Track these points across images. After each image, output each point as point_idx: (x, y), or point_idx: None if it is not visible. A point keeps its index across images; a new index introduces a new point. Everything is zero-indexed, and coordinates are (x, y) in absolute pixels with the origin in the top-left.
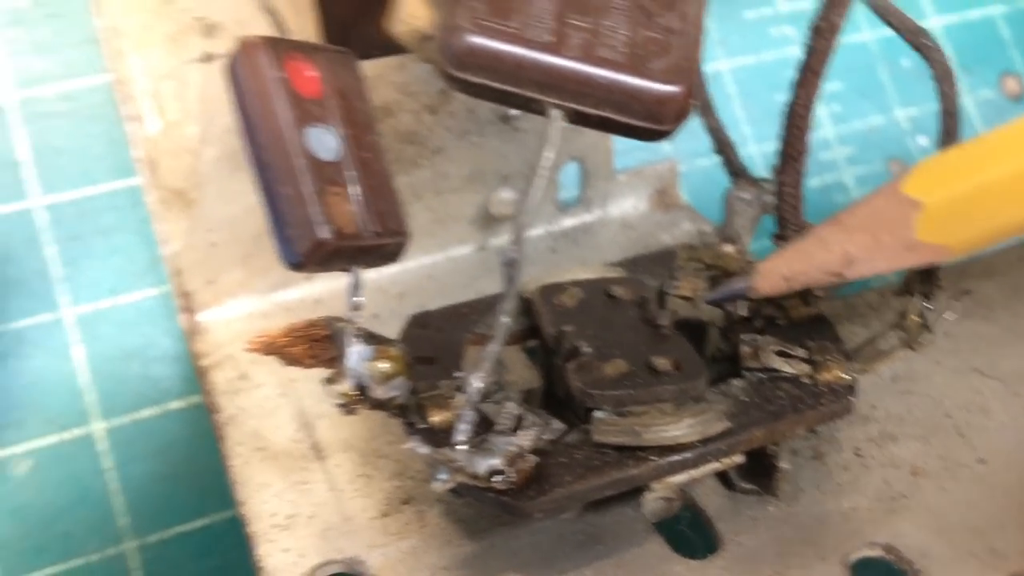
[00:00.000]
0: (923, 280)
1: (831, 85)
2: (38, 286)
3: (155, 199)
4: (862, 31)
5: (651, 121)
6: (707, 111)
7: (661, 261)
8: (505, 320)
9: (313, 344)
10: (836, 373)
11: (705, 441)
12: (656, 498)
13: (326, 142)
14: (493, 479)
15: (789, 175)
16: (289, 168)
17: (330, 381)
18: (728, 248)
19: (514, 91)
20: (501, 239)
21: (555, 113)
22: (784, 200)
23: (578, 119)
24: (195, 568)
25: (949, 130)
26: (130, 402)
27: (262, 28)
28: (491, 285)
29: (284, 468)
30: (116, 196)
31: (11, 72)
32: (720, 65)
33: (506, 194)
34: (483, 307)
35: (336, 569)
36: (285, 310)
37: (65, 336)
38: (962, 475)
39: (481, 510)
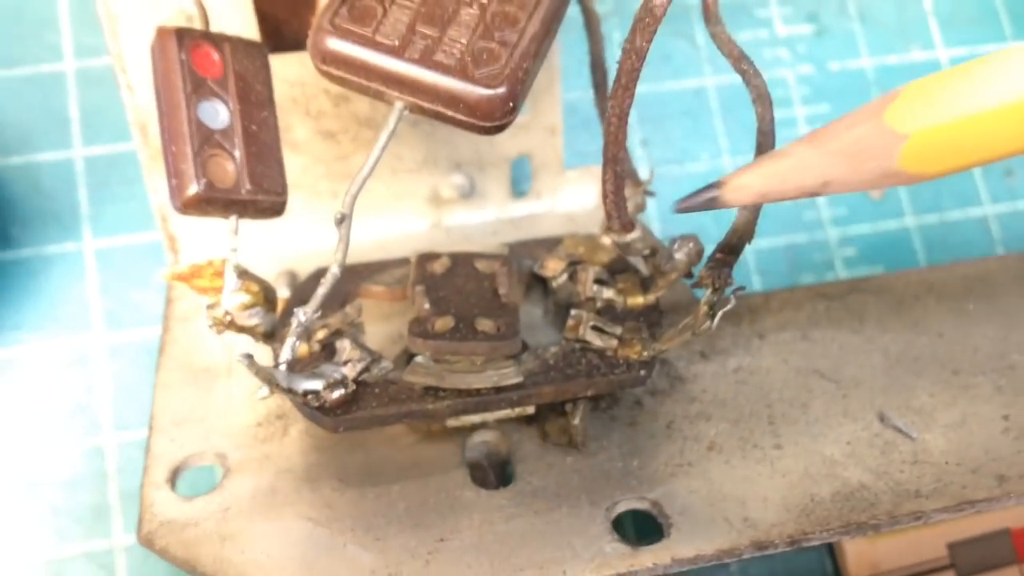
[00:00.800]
0: (716, 276)
1: (819, 107)
2: (69, 220)
3: (145, 156)
4: (861, 57)
5: (475, 118)
6: (602, 115)
7: (547, 245)
8: (334, 271)
9: (213, 278)
10: (637, 350)
11: (498, 390)
12: (479, 441)
13: (217, 113)
14: (308, 397)
15: (608, 176)
16: (179, 131)
17: (210, 307)
18: (605, 240)
19: (366, 84)
20: (454, 218)
21: (398, 104)
22: (607, 198)
23: (418, 111)
24: None
25: (763, 148)
26: (128, 321)
27: (228, 21)
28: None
29: (198, 381)
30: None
31: (71, 45)
32: (706, 81)
33: (457, 179)
34: (378, 267)
35: (205, 461)
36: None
37: (84, 263)
38: (752, 455)
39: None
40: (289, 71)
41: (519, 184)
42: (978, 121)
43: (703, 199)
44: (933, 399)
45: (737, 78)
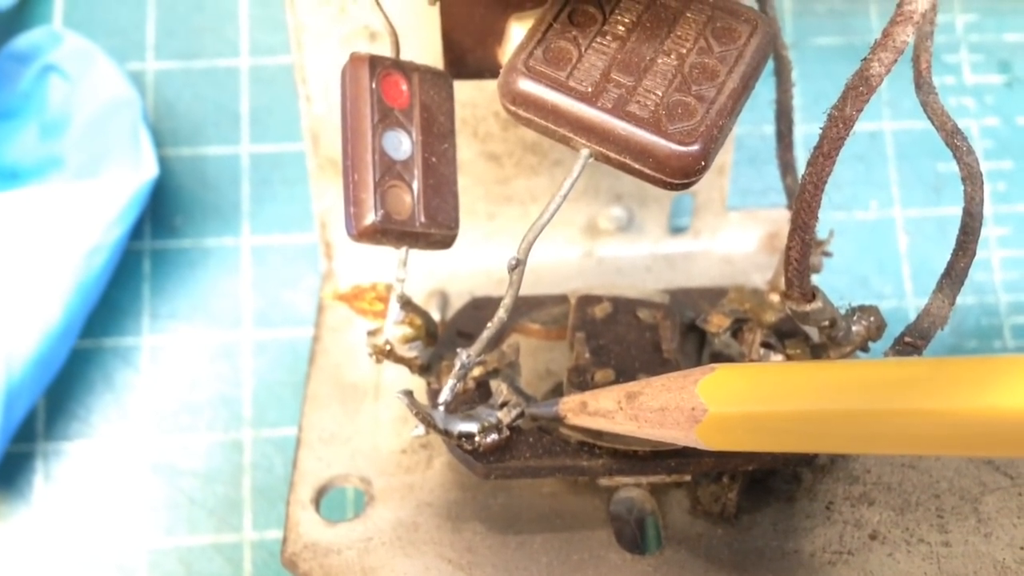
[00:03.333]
0: None
1: (1000, 163)
2: (230, 215)
3: (314, 164)
4: None
5: (663, 174)
6: (787, 171)
7: (711, 296)
8: (501, 315)
9: (373, 301)
10: None
11: (656, 455)
12: (624, 496)
13: (400, 144)
14: (462, 440)
15: (795, 243)
16: (362, 159)
17: (371, 334)
18: (773, 297)
19: (553, 128)
20: (607, 249)
21: (584, 152)
22: (790, 265)
23: (604, 159)
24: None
25: (967, 229)
26: (276, 320)
27: (412, 42)
28: (585, 287)
29: (346, 398)
30: (303, 155)
31: (248, 42)
32: (883, 125)
33: (616, 212)
34: (535, 303)
35: (349, 483)
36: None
37: (240, 258)
38: (918, 550)
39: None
40: (462, 92)
41: (676, 218)
42: (778, 421)
43: (545, 411)
44: None
45: (918, 124)
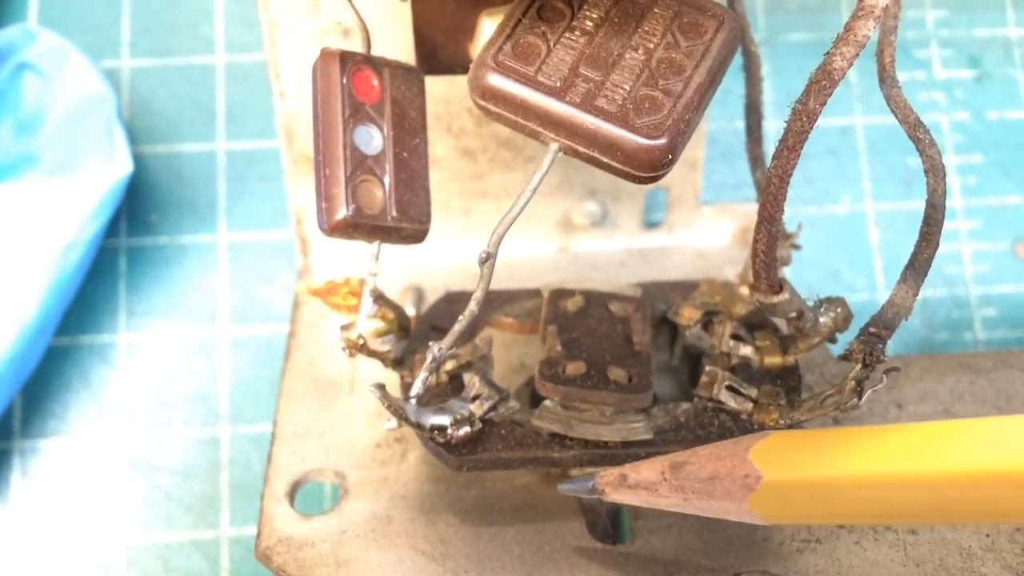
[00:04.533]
0: (868, 352)
1: (971, 157)
2: (206, 212)
3: (288, 160)
4: (1023, 108)
5: (630, 167)
6: (757, 165)
7: (682, 290)
8: (472, 308)
9: (347, 296)
10: (773, 416)
11: (626, 444)
12: None
13: (371, 139)
14: (434, 432)
15: (761, 235)
16: (333, 154)
17: (344, 328)
18: (743, 290)
19: (522, 122)
20: (582, 244)
21: (553, 146)
22: (757, 257)
23: (573, 153)
24: None
25: (930, 221)
26: (253, 317)
27: (384, 38)
28: (559, 282)
29: (321, 392)
30: (279, 152)
31: (224, 39)
32: (855, 120)
33: (590, 207)
34: (508, 297)
35: (324, 478)
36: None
37: (216, 255)
38: (885, 539)
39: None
40: (436, 88)
41: (649, 213)
42: (836, 488)
43: (581, 486)
44: None
45: (888, 119)
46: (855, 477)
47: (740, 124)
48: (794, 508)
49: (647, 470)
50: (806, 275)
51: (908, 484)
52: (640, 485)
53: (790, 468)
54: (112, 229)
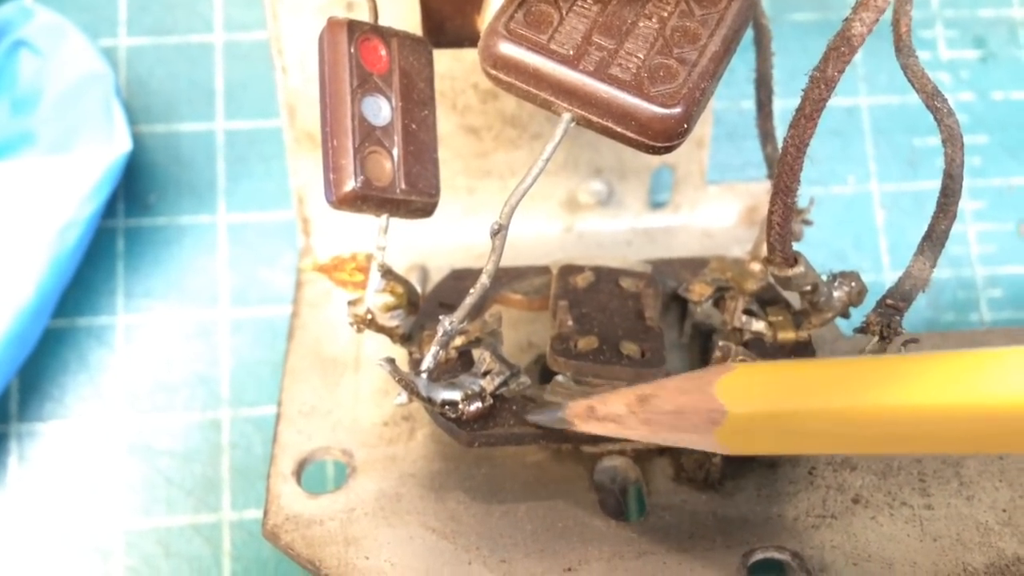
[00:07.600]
0: (885, 324)
1: (976, 137)
2: (205, 192)
3: (291, 138)
4: None
5: (645, 136)
6: (768, 140)
7: (692, 267)
8: (484, 281)
9: (353, 272)
10: None
11: None
12: (608, 466)
13: (380, 110)
14: (445, 408)
15: (777, 207)
16: (341, 125)
17: (352, 303)
18: (755, 266)
19: (534, 92)
20: (587, 224)
21: (566, 116)
22: (772, 229)
23: (586, 123)
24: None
25: (948, 191)
26: (253, 298)
27: (390, 10)
28: (566, 260)
29: (326, 371)
30: (279, 132)
31: (222, 17)
32: (860, 100)
33: (596, 186)
34: (516, 274)
35: (330, 456)
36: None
37: (216, 236)
38: (901, 513)
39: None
40: (440, 64)
41: (655, 192)
42: (802, 420)
43: (549, 418)
44: None
45: (894, 99)
46: (819, 410)
47: (745, 104)
48: (759, 440)
49: (615, 402)
50: (812, 255)
51: (870, 416)
52: (608, 417)
53: (754, 401)
54: (110, 209)
